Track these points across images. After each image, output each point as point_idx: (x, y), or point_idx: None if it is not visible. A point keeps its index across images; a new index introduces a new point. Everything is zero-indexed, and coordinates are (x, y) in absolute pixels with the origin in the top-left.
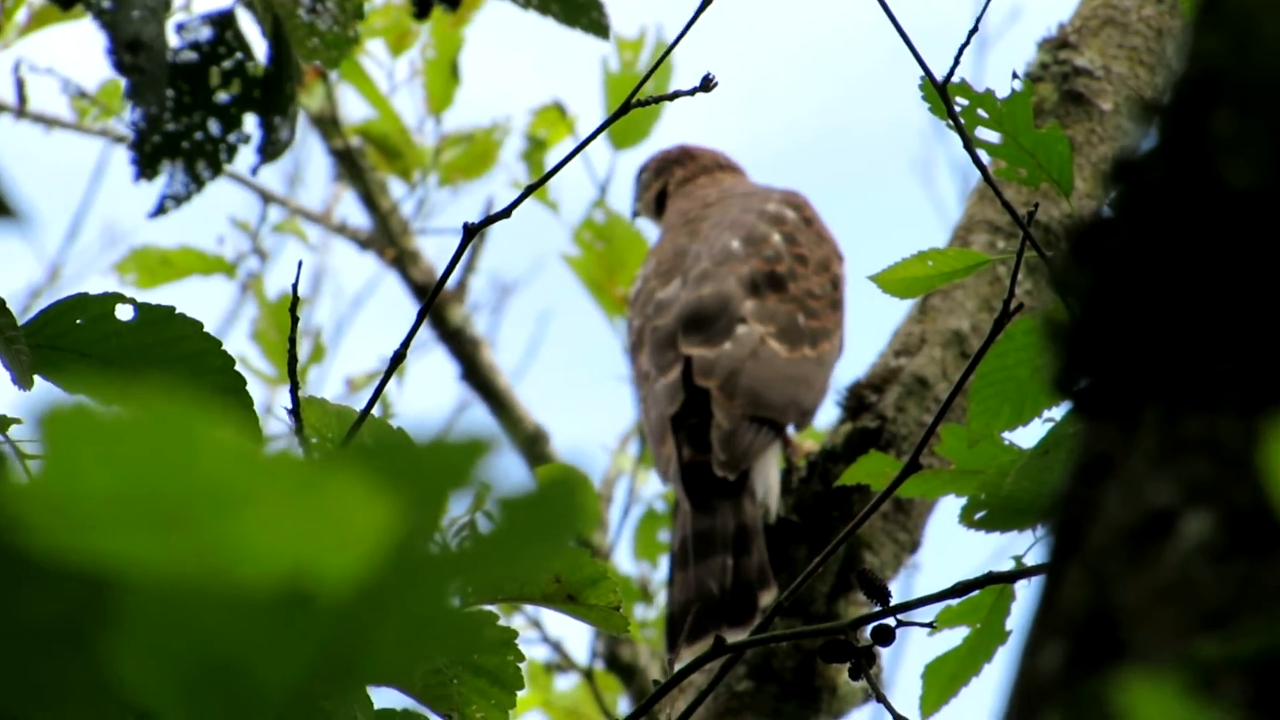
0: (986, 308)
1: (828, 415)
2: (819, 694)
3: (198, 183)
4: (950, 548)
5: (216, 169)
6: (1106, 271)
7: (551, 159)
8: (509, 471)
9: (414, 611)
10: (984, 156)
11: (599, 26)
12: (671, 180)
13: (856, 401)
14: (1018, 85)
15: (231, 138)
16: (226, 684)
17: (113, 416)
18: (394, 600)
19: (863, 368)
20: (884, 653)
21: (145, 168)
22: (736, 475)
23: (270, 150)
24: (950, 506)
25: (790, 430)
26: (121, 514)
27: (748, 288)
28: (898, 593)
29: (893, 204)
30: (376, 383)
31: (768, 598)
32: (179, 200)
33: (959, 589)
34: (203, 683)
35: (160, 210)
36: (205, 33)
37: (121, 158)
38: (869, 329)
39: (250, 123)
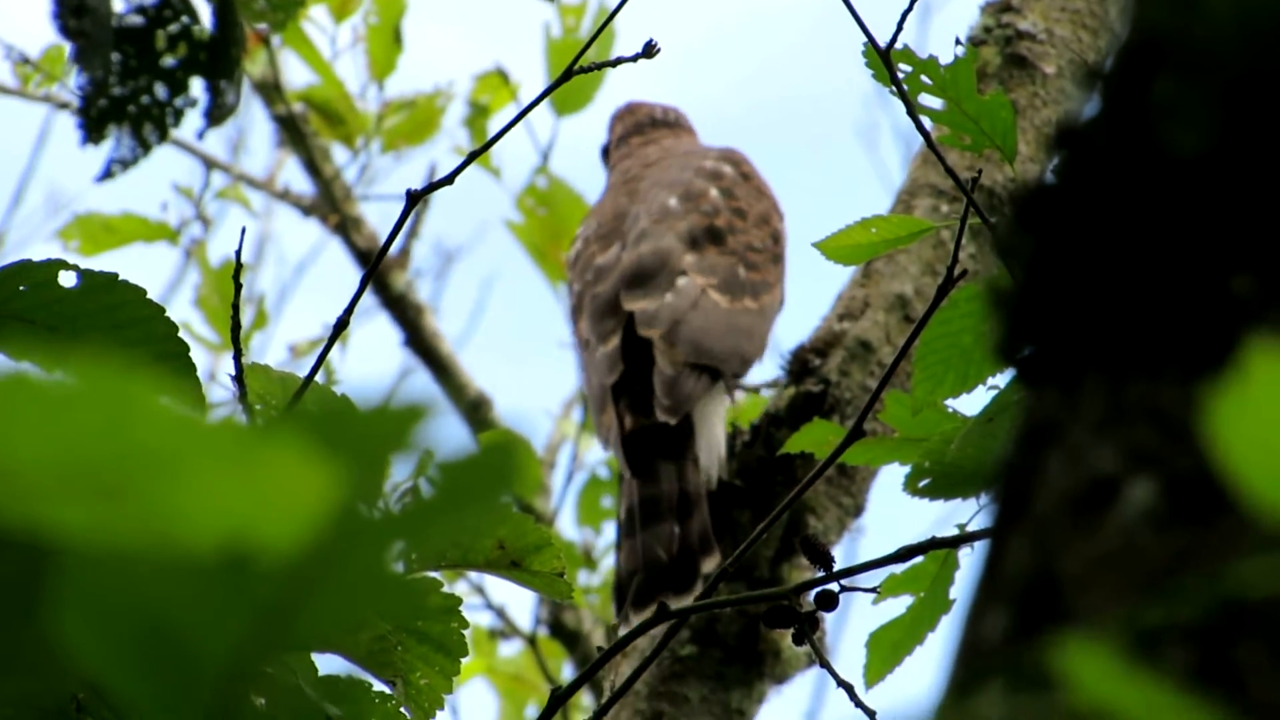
0: (930, 272)
1: (771, 377)
2: (763, 658)
3: (144, 147)
4: (895, 514)
5: (163, 133)
6: (1049, 238)
7: (494, 125)
8: (448, 435)
9: (354, 576)
10: (927, 123)
11: None
12: (613, 135)
13: (800, 366)
14: (961, 51)
15: (178, 102)
16: (167, 650)
17: (52, 383)
18: (334, 565)
19: (806, 332)
20: (828, 618)
21: (92, 132)
22: (677, 420)
23: (216, 114)
24: (894, 473)
25: (737, 395)
26: (61, 481)
27: (687, 242)
28: (842, 558)
29: (837, 169)
30: (320, 349)
31: (710, 564)
32: (125, 164)
33: (902, 554)
34: (143, 649)
35: (107, 174)
36: None
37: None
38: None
39: (196, 87)
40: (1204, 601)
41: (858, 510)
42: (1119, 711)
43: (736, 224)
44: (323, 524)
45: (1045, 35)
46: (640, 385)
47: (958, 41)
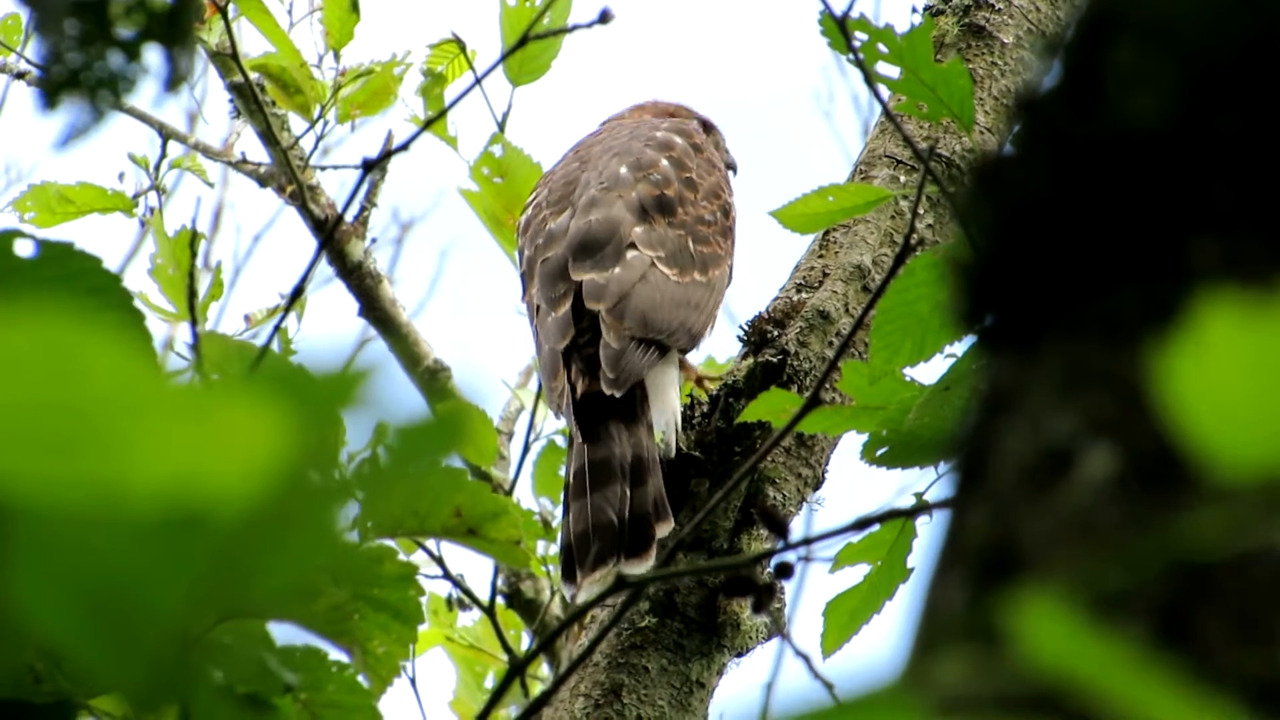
0: (889, 242)
1: (729, 348)
2: (722, 629)
3: (99, 115)
4: (854, 485)
5: (117, 99)
6: (1009, 206)
7: (451, 94)
8: (398, 396)
9: (305, 532)
10: (884, 91)
11: None
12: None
13: (759, 336)
14: (917, 20)
15: (131, 70)
16: (119, 605)
17: (3, 341)
18: (285, 520)
19: (764, 302)
20: (787, 588)
21: (49, 100)
22: (623, 393)
23: (173, 82)
24: (853, 443)
25: (689, 359)
26: (13, 435)
27: (636, 213)
28: (801, 529)
29: (794, 138)
30: (276, 319)
31: (664, 530)
32: (82, 132)
33: (860, 524)
34: (96, 604)
35: (66, 141)
36: None
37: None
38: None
39: (152, 55)
40: (1159, 564)
41: (817, 482)
42: (1076, 669)
43: (686, 195)
44: (274, 479)
45: (1003, 4)
46: (593, 350)
47: (914, 10)
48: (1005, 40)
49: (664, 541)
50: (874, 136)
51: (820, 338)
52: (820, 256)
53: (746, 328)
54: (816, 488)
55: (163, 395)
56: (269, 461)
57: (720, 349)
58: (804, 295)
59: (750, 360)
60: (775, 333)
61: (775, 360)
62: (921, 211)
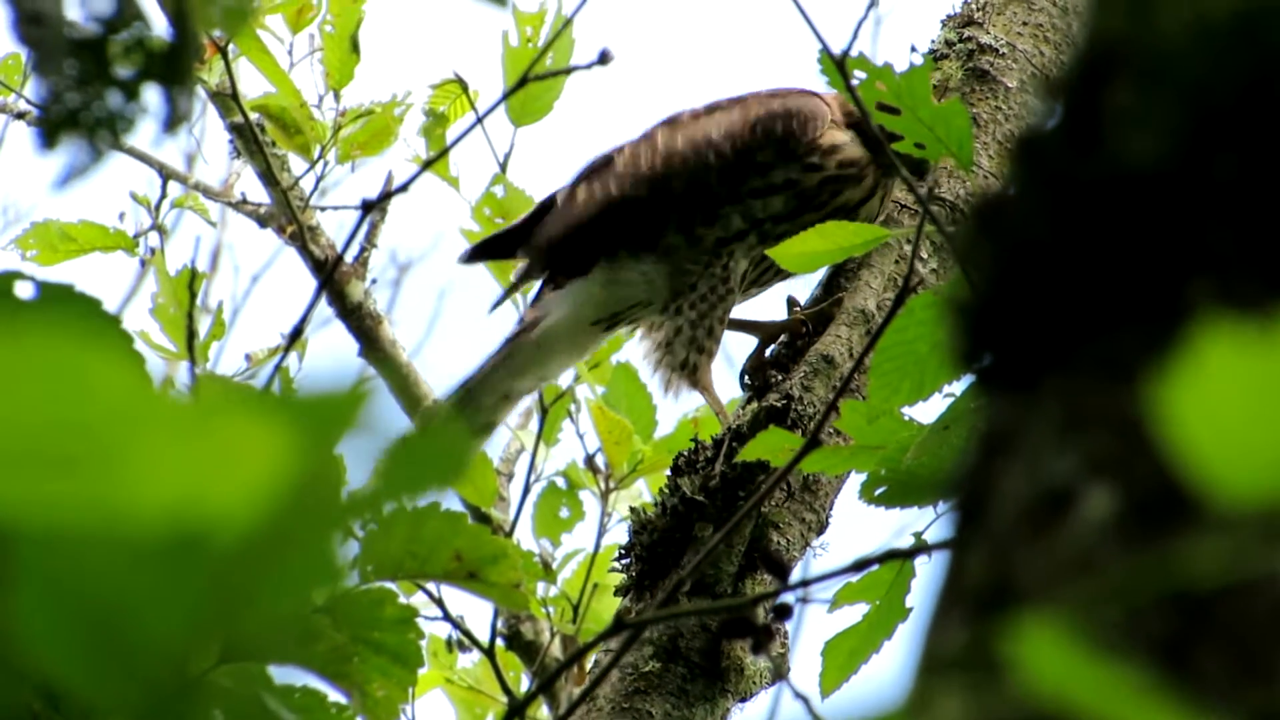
0: (893, 286)
1: (733, 392)
2: (726, 674)
3: (98, 154)
4: (857, 528)
5: (116, 139)
6: (1008, 247)
7: (453, 135)
8: (390, 421)
9: (305, 555)
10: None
11: None
12: None
13: (762, 381)
14: (916, 59)
15: (131, 109)
16: (118, 630)
17: (3, 358)
18: (285, 542)
19: (769, 346)
20: (787, 630)
21: (49, 139)
22: None
23: (172, 121)
24: (852, 482)
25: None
26: (14, 455)
27: None
28: (801, 573)
29: None
30: (277, 359)
31: None
32: (81, 171)
33: (859, 565)
34: (95, 629)
35: (65, 181)
36: (106, 5)
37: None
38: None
39: (151, 95)
40: (1157, 595)
41: (821, 527)
42: (1076, 696)
43: None
44: (275, 500)
45: (1007, 49)
46: None
47: (913, 49)
48: (1009, 85)
49: (666, 586)
50: None
51: (824, 382)
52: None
53: (750, 372)
54: (820, 532)
55: (164, 414)
56: (271, 481)
57: (725, 393)
58: (808, 340)
59: (754, 405)
60: (779, 378)
61: (779, 405)
62: (925, 255)
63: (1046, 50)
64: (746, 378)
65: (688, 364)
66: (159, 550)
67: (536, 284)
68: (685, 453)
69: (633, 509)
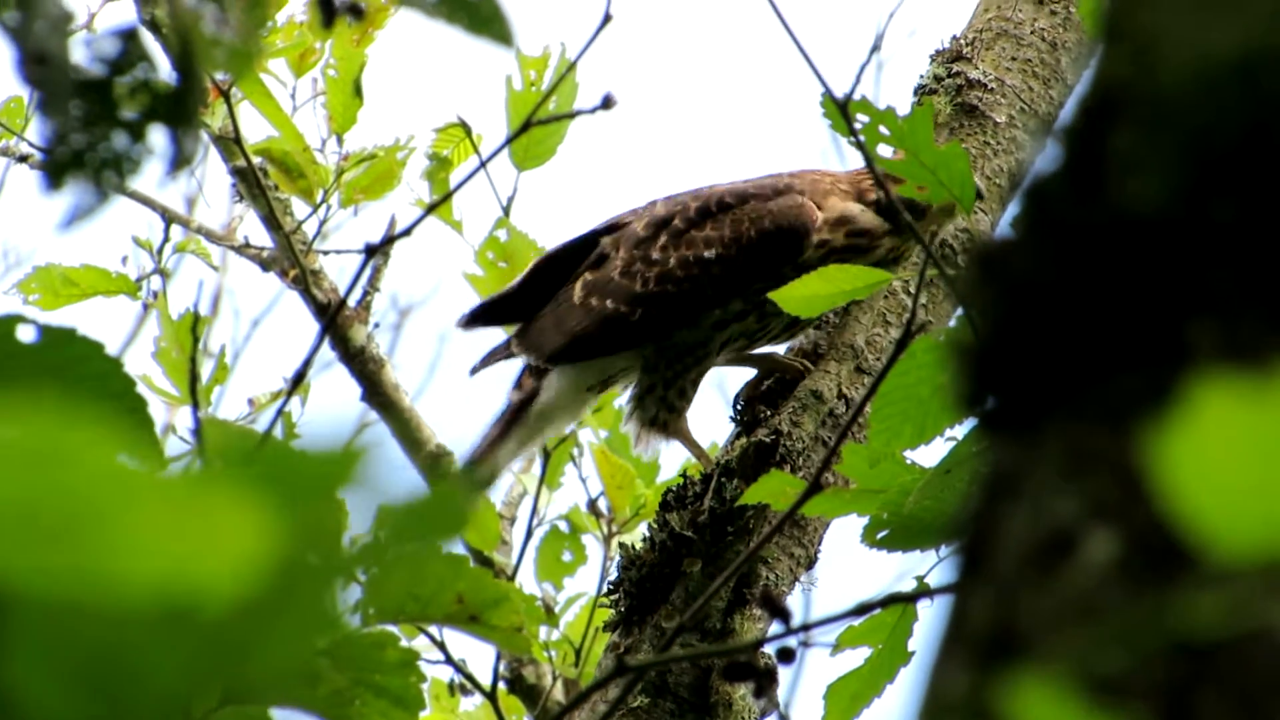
0: (882, 322)
1: (722, 428)
2: (714, 709)
3: (103, 196)
4: (849, 565)
5: (122, 180)
6: (1011, 291)
7: (456, 179)
8: (397, 476)
9: (301, 619)
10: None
11: (504, 36)
12: None
13: (751, 416)
14: (918, 102)
15: (136, 151)
16: (116, 694)
17: None
18: (280, 608)
19: (765, 380)
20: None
21: (54, 181)
22: None
23: (177, 162)
24: (851, 525)
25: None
26: (8, 526)
27: None
28: (799, 612)
29: None
30: (279, 403)
31: None
32: (87, 213)
33: (861, 609)
34: (93, 694)
35: (70, 222)
36: (112, 46)
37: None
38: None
39: (156, 136)
40: (1160, 647)
41: (810, 562)
42: None
43: None
44: (266, 568)
45: (996, 84)
46: None
47: (916, 93)
48: (998, 120)
49: (663, 627)
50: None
51: (813, 417)
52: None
53: (739, 408)
54: (810, 567)
55: (153, 488)
56: (259, 552)
57: (714, 430)
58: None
59: (743, 440)
60: (768, 413)
61: (769, 440)
62: (912, 290)
63: (1035, 85)
64: (739, 405)
65: (657, 420)
66: (150, 618)
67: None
68: (674, 489)
69: (622, 545)
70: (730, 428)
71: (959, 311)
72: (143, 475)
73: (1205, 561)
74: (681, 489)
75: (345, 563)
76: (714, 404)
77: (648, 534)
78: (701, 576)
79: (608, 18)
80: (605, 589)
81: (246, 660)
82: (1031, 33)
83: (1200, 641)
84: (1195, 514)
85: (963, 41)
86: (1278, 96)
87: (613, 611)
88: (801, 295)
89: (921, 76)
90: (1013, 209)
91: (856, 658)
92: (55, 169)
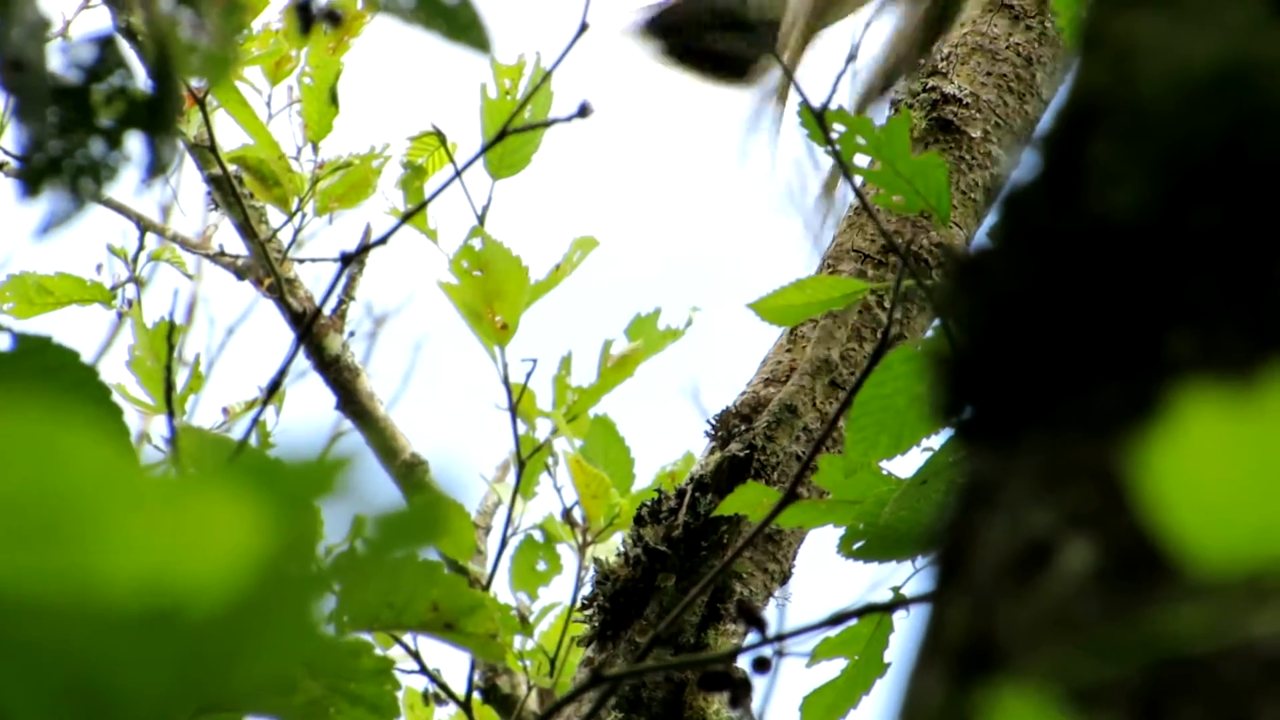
0: (856, 336)
1: (697, 442)
2: None
3: (80, 203)
4: (827, 578)
5: (99, 187)
6: (988, 301)
7: (431, 187)
8: (373, 486)
9: (282, 627)
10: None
11: (482, 43)
12: None
13: (725, 430)
14: (895, 112)
15: (113, 158)
16: (96, 698)
17: None
18: (261, 615)
19: (731, 397)
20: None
21: (31, 187)
22: None
23: (155, 169)
24: (820, 537)
25: None
26: None
27: None
28: (777, 625)
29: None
30: (254, 412)
31: None
32: (63, 220)
33: (837, 619)
34: (72, 697)
35: (46, 229)
36: (89, 53)
37: None
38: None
39: (132, 143)
40: (1139, 659)
41: (784, 577)
42: None
43: None
44: (251, 571)
45: (971, 99)
46: None
47: (893, 104)
48: (973, 135)
49: (637, 641)
50: (841, 231)
51: (788, 432)
52: (788, 351)
53: (714, 422)
54: (784, 582)
55: (138, 487)
56: (245, 553)
57: (689, 444)
58: (771, 390)
59: (717, 454)
60: (742, 427)
61: (743, 454)
62: (886, 304)
63: (1010, 100)
64: (713, 420)
65: None
66: (133, 620)
67: None
68: (649, 503)
69: (596, 559)
70: (705, 443)
71: (935, 324)
72: (127, 474)
73: (1185, 573)
74: (656, 503)
75: (325, 573)
76: (688, 418)
77: (622, 548)
78: (675, 591)
79: (584, 26)
80: (579, 604)
81: (230, 668)
82: (1007, 47)
83: (1180, 654)
84: (1175, 525)
85: (938, 56)
86: (1256, 107)
87: (587, 627)
88: (778, 305)
89: (896, 91)
90: (990, 219)
91: (832, 669)
92: (32, 176)
